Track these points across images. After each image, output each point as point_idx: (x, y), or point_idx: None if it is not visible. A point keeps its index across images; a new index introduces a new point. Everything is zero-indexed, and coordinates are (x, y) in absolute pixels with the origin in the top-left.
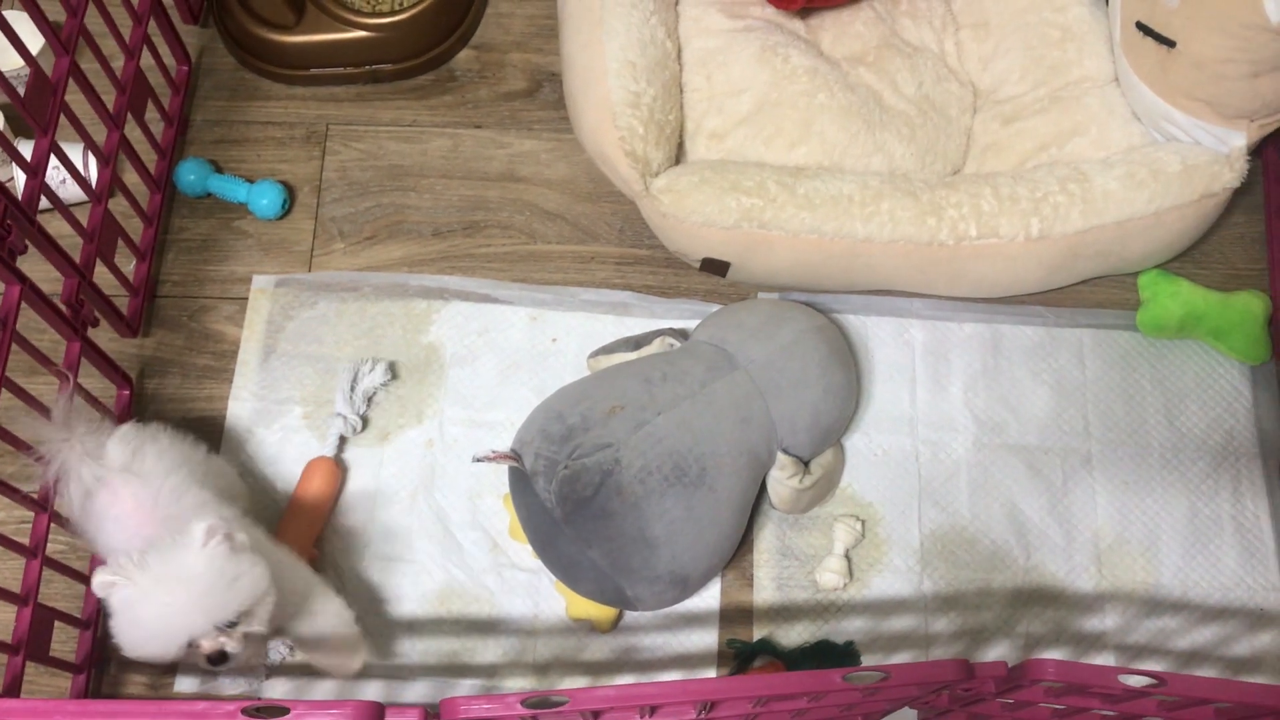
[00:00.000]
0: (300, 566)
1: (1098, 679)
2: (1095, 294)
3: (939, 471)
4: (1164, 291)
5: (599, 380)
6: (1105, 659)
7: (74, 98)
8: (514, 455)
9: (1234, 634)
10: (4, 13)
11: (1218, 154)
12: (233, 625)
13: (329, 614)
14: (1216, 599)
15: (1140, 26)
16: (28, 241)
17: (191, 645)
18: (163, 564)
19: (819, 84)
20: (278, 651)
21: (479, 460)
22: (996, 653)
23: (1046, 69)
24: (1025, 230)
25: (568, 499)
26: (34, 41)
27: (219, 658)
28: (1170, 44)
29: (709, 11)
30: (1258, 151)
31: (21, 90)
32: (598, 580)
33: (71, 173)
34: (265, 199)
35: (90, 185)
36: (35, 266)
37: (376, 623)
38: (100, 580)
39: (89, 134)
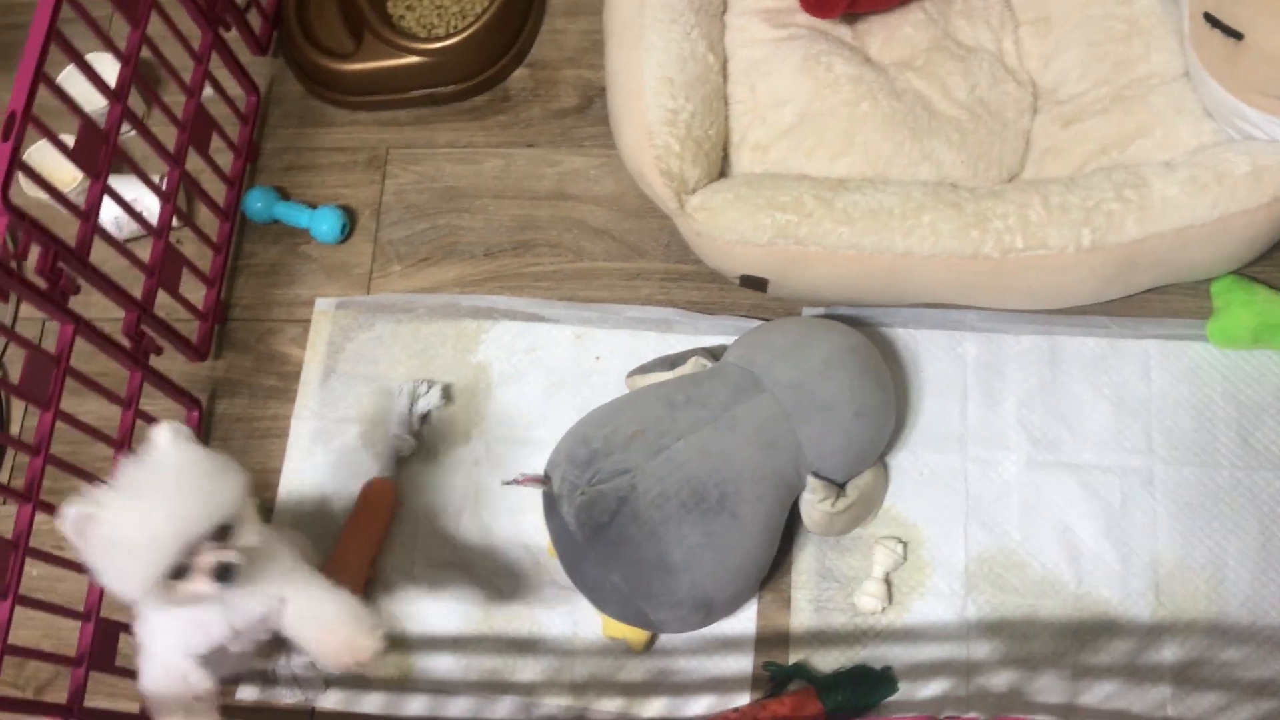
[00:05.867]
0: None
1: None
2: (1164, 302)
3: (988, 491)
4: (1237, 299)
5: (626, 403)
6: (1162, 692)
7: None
8: (545, 479)
9: None
10: (85, 57)
11: None
12: (226, 533)
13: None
14: None
15: (1208, 18)
16: (82, 281)
17: (185, 571)
18: (134, 476)
19: (862, 92)
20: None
21: (508, 484)
22: (1044, 683)
23: (1110, 65)
24: (1076, 241)
25: (585, 524)
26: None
27: (224, 572)
28: (1238, 36)
29: (754, 21)
30: None
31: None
32: (621, 603)
33: (129, 212)
34: (325, 225)
35: (150, 223)
36: (98, 300)
37: (422, 638)
38: (75, 515)
39: (145, 173)
